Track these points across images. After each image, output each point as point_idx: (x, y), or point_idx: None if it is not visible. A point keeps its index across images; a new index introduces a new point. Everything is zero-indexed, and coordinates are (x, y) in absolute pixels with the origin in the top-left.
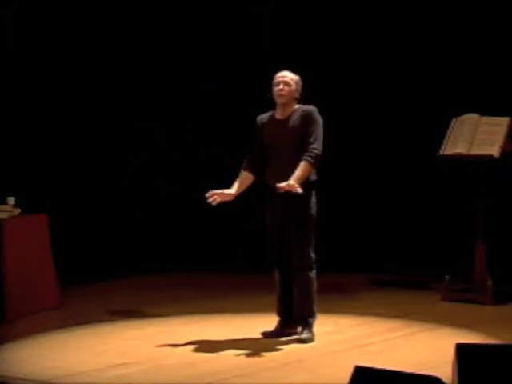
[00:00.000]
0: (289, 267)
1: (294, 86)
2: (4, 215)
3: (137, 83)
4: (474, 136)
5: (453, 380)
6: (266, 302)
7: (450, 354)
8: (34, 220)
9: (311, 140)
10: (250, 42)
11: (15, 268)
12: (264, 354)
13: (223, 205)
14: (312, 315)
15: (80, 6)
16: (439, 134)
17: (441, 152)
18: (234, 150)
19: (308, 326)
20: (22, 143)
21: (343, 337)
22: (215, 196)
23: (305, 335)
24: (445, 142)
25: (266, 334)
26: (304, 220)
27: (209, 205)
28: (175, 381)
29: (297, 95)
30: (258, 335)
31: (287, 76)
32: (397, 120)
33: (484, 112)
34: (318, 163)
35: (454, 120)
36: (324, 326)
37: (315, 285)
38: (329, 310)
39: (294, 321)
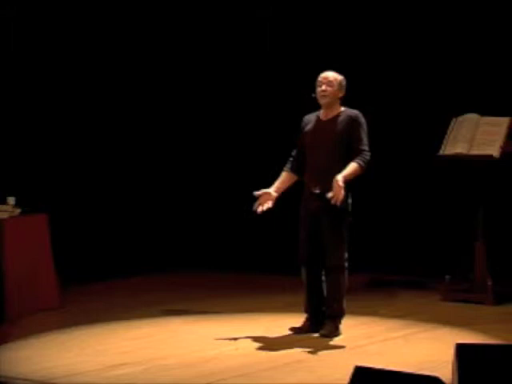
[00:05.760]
0: (318, 266)
1: (336, 87)
2: (4, 215)
3: (136, 84)
4: (473, 136)
5: (453, 380)
6: (266, 302)
7: (450, 353)
8: (34, 220)
9: (362, 145)
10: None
11: (15, 268)
12: (264, 353)
13: (222, 204)
14: (342, 313)
15: (81, 6)
16: (439, 133)
17: (441, 152)
18: (234, 150)
19: (336, 322)
20: (21, 143)
21: (343, 337)
22: (258, 205)
23: (333, 331)
24: (445, 142)
25: (294, 330)
26: (340, 221)
27: (208, 205)
28: (175, 381)
29: (340, 95)
30: (258, 335)
31: (330, 76)
32: (397, 120)
33: (484, 112)
34: (366, 169)
35: (454, 120)
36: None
37: (346, 284)
38: None
39: (324, 317)
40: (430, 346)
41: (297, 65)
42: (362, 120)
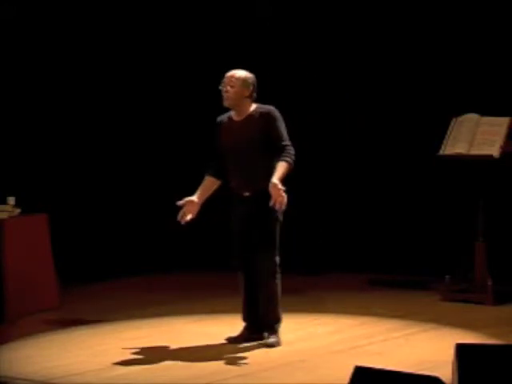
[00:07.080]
0: (253, 271)
1: (239, 87)
2: (4, 215)
3: (138, 85)
4: (473, 136)
5: (453, 380)
6: None
7: (449, 353)
8: (34, 220)
9: (283, 141)
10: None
11: (15, 268)
12: (264, 353)
13: (224, 204)
14: (277, 320)
15: (81, 6)
16: (439, 133)
17: (441, 152)
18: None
19: (274, 331)
20: (21, 143)
21: (343, 337)
22: (182, 214)
23: (271, 340)
24: (445, 141)
25: (230, 340)
26: (268, 224)
27: (207, 205)
28: (175, 381)
29: (247, 94)
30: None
31: (233, 76)
32: (397, 120)
33: (484, 112)
34: (294, 162)
35: (454, 120)
36: (324, 325)
37: (279, 289)
38: (328, 310)
39: (260, 326)
40: (430, 345)
41: (295, 64)
42: (277, 114)
